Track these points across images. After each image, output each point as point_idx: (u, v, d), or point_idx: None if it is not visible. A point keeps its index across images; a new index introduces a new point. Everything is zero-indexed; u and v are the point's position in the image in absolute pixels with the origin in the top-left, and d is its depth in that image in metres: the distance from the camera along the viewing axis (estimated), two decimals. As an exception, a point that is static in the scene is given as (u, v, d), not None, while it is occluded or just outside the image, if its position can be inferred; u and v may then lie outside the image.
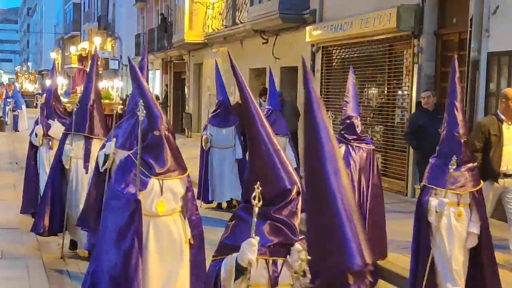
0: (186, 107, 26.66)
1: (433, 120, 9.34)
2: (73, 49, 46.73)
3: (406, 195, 12.13)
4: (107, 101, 14.09)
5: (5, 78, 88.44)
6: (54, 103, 8.85)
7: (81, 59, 14.44)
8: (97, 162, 6.57)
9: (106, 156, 6.42)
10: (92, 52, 14.90)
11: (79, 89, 13.22)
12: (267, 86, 17.22)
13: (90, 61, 7.86)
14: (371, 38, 13.26)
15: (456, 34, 11.35)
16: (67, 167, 7.59)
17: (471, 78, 10.32)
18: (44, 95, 15.24)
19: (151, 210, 4.71)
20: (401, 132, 12.69)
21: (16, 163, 15.29)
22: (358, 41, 13.90)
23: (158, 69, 31.81)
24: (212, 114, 11.02)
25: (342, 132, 7.37)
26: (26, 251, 7.63)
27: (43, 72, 69.12)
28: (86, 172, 7.44)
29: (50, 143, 8.78)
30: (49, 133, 8.73)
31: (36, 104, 21.91)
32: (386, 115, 13.32)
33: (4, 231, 8.46)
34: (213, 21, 21.87)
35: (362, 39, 13.65)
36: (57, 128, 8.65)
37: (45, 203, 7.66)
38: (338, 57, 15.14)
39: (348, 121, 7.35)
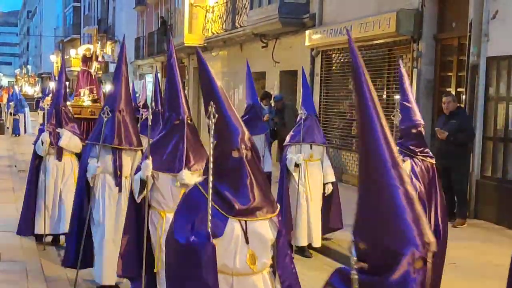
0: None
1: (446, 124, 9.51)
2: (73, 52, 46.86)
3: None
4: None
5: (4, 81, 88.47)
6: (63, 108, 8.09)
7: (85, 60, 14.03)
8: (131, 191, 5.26)
9: (143, 182, 5.05)
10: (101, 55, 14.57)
11: (83, 91, 12.95)
12: (267, 89, 17.22)
13: (117, 60, 6.64)
14: (370, 42, 13.26)
15: (455, 38, 11.36)
16: (92, 185, 6.38)
17: (471, 82, 10.33)
18: (47, 97, 15.05)
19: (233, 265, 3.33)
20: (400, 135, 12.68)
21: (15, 166, 15.28)
22: (357, 45, 13.78)
23: (158, 72, 31.77)
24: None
25: (408, 143, 6.03)
26: (25, 254, 7.61)
27: (42, 75, 69.15)
28: (120, 190, 6.32)
29: (60, 152, 7.99)
30: (60, 144, 7.94)
31: (40, 107, 21.41)
32: (386, 119, 13.30)
33: (3, 234, 8.45)
34: (213, 24, 21.88)
35: (362, 44, 13.65)
36: (68, 138, 7.93)
37: (73, 233, 6.52)
38: (338, 61, 15.14)
39: (414, 130, 6.03)
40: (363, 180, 2.50)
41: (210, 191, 3.26)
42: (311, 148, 8.16)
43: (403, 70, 6.36)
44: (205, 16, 22.61)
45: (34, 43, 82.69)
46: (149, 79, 32.79)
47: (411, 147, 5.99)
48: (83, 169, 6.47)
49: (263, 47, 18.04)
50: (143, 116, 9.14)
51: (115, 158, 6.31)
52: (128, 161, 6.37)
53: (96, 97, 13.45)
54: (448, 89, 11.24)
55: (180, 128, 5.02)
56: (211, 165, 3.27)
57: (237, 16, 19.86)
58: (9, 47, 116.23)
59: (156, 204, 5.12)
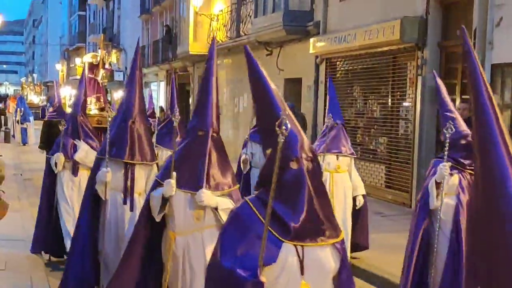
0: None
1: None
2: (78, 61, 47.00)
3: (411, 207, 12.07)
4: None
5: (10, 90, 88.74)
6: (81, 118, 7.40)
7: (92, 67, 13.82)
8: (147, 207, 4.61)
9: (165, 200, 4.49)
10: (106, 64, 14.34)
11: (90, 100, 12.72)
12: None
13: (131, 66, 6.13)
14: (374, 50, 13.26)
15: (460, 46, 11.31)
16: (103, 197, 5.74)
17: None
18: (52, 107, 14.91)
19: None
20: (405, 143, 12.66)
21: (21, 175, 15.30)
22: (362, 53, 13.90)
23: (162, 81, 31.92)
24: (254, 128, 8.68)
25: (457, 155, 5.57)
26: (30, 263, 7.58)
27: (48, 84, 69.33)
28: (131, 210, 5.71)
29: (75, 167, 7.34)
30: (76, 158, 7.27)
31: (44, 116, 21.14)
32: (390, 127, 13.29)
33: (8, 243, 8.42)
34: (218, 32, 21.92)
35: (366, 51, 13.65)
36: (84, 152, 7.28)
37: (74, 253, 5.94)
38: (342, 68, 15.14)
39: (463, 141, 5.56)
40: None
41: (268, 216, 2.73)
42: (337, 158, 7.68)
43: (439, 80, 5.99)
44: (210, 24, 22.66)
45: (39, 51, 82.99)
46: (153, 87, 32.88)
47: (460, 159, 5.57)
48: (90, 187, 5.87)
49: (267, 55, 18.06)
50: (152, 126, 8.94)
51: (127, 173, 5.72)
52: (141, 177, 5.79)
53: (103, 105, 13.34)
54: (453, 97, 11.22)
55: (203, 141, 4.44)
56: (274, 183, 2.75)
57: (241, 24, 19.90)
58: (15, 55, 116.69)
59: (167, 224, 4.55)
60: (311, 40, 15.56)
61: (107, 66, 14.08)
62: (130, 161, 5.72)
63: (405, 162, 12.51)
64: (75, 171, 7.36)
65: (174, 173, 4.43)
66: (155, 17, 33.77)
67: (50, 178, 7.69)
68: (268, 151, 2.90)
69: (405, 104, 12.73)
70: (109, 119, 5.97)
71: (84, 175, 7.24)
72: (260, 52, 18.48)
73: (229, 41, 20.78)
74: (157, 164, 5.91)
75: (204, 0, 22.69)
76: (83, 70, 8.62)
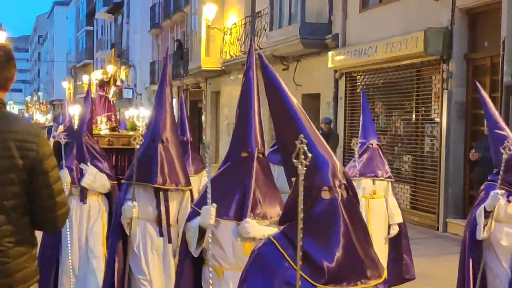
0: (203, 137, 26.75)
1: (488, 148, 9.44)
2: (85, 78, 47.38)
3: (438, 229, 11.97)
4: (131, 133, 13.02)
5: (15, 110, 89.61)
6: (87, 139, 7.05)
7: (102, 84, 13.55)
8: (184, 240, 4.33)
9: (202, 231, 4.17)
10: (118, 81, 14.18)
11: (100, 119, 12.60)
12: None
13: (159, 82, 5.87)
14: (397, 63, 13.24)
15: (487, 58, 11.29)
16: (128, 232, 5.39)
17: (505, 104, 10.23)
18: (61, 126, 14.94)
19: None
20: (431, 162, 12.58)
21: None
22: (383, 67, 13.88)
23: (174, 98, 32.03)
24: (273, 147, 8.33)
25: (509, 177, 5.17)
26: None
27: (54, 102, 69.86)
28: (169, 241, 5.41)
29: (83, 193, 6.90)
30: (83, 183, 6.84)
31: (53, 136, 20.91)
32: (414, 145, 13.22)
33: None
34: (231, 47, 22.02)
35: (388, 65, 13.63)
36: (92, 177, 6.87)
37: None
38: (363, 83, 15.12)
39: None
40: None
41: (300, 258, 2.45)
42: (373, 183, 7.29)
43: (484, 93, 5.79)
44: (223, 38, 22.77)
45: (45, 69, 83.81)
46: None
47: None
48: (117, 215, 5.44)
49: (283, 69, 18.09)
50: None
51: (158, 201, 5.37)
52: (174, 205, 5.45)
53: (114, 125, 13.25)
54: (482, 112, 11.15)
55: (247, 164, 4.16)
56: (300, 221, 2.45)
57: (256, 37, 19.97)
58: (20, 73, 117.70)
59: (212, 259, 4.14)
60: (330, 53, 15.57)
61: (118, 82, 13.98)
62: (162, 187, 5.36)
63: (431, 182, 12.42)
64: (83, 198, 6.89)
65: (210, 201, 4.06)
66: (166, 32, 34.01)
67: None
68: (293, 179, 2.63)
69: (430, 120, 12.67)
70: (137, 143, 5.49)
71: (94, 202, 6.93)
72: (276, 67, 18.52)
73: (243, 55, 20.85)
74: (191, 190, 5.53)
75: (216, 13, 22.82)
76: (89, 87, 8.22)
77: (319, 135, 2.84)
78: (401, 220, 7.43)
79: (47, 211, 3.22)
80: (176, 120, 7.26)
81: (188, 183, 5.48)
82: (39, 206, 3.20)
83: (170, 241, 5.36)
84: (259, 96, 4.35)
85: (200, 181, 8.09)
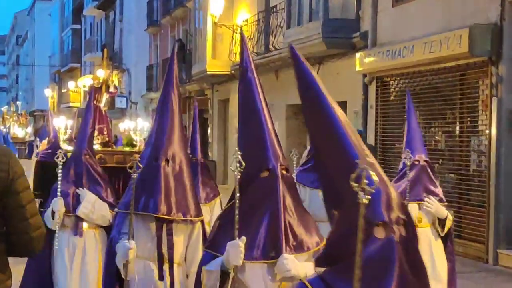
0: (209, 153, 26.79)
1: None
2: (71, 85, 47.64)
3: (487, 261, 11.90)
4: (127, 149, 12.78)
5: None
6: (87, 157, 6.77)
7: (94, 91, 13.42)
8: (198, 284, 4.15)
9: (225, 275, 3.94)
10: (111, 87, 14.03)
11: (95, 132, 12.47)
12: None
13: (163, 84, 5.48)
14: (437, 65, 13.23)
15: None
16: (124, 276, 5.00)
17: None
18: (44, 141, 14.88)
19: None
20: (478, 182, 12.52)
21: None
22: (421, 70, 13.87)
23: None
24: (302, 167, 8.22)
25: None
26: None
27: (35, 113, 70.19)
28: (172, 286, 5.14)
29: (78, 224, 6.62)
30: (79, 213, 6.54)
31: (36, 154, 20.61)
32: (459, 161, 13.18)
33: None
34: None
35: (427, 67, 13.62)
36: (91, 205, 6.59)
37: None
38: (397, 89, 15.11)
39: None
40: None
41: None
42: (419, 208, 7.06)
43: None
44: (232, 37, 22.86)
45: (24, 74, 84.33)
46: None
47: None
48: (111, 254, 5.11)
49: (303, 74, 18.12)
50: None
51: (161, 234, 5.05)
52: (181, 240, 5.13)
53: (107, 139, 13.16)
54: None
55: (270, 185, 3.93)
56: (358, 267, 2.33)
57: (271, 36, 20.04)
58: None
59: None
60: (358, 55, 15.59)
61: (111, 89, 13.84)
62: (166, 217, 5.03)
63: (479, 206, 12.36)
64: (78, 230, 6.62)
65: (237, 233, 3.81)
66: (165, 31, 34.20)
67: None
68: (336, 213, 2.54)
69: (477, 132, 12.63)
70: (136, 157, 5.19)
71: (90, 236, 6.69)
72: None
73: (256, 57, 20.92)
74: (202, 221, 5.27)
75: (224, 8, 22.92)
76: (90, 93, 8.08)
77: (370, 153, 2.71)
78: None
79: (21, 233, 3.52)
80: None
81: (198, 212, 5.18)
82: (12, 227, 3.51)
83: (173, 285, 5.02)
84: (265, 98, 4.22)
85: (211, 211, 7.77)
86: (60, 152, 6.69)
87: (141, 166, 4.99)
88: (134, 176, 4.94)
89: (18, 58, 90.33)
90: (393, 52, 14.28)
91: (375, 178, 2.35)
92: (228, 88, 24.44)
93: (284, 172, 3.98)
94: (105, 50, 17.61)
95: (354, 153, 2.64)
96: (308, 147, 9.66)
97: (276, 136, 4.12)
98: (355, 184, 2.33)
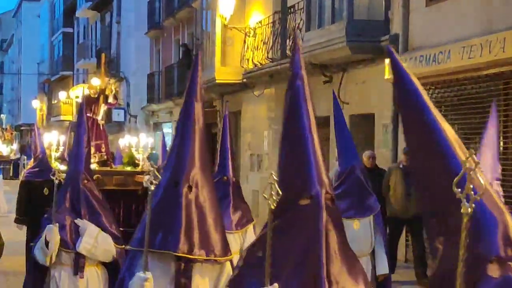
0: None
1: None
2: (62, 95, 47.78)
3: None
4: (128, 168, 12.56)
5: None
6: (86, 182, 6.55)
7: (90, 102, 13.05)
8: None
9: None
10: (111, 96, 13.71)
11: (91, 149, 12.10)
12: (332, 138, 17.11)
13: (185, 97, 5.26)
14: (477, 73, 13.19)
15: None
16: None
17: None
18: (31, 160, 14.75)
19: None
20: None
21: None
22: (459, 78, 13.83)
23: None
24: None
25: None
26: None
27: (22, 128, 70.43)
28: None
29: (79, 261, 6.40)
30: (80, 249, 6.33)
31: (18, 173, 20.40)
32: (502, 182, 13.09)
33: None
34: (255, 53, 22.12)
35: (465, 75, 13.58)
36: (93, 239, 6.36)
37: None
38: (432, 99, 14.99)
39: None
40: None
41: None
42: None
43: None
44: (244, 41, 22.89)
45: (9, 84, 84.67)
46: (167, 129, 33.12)
47: None
48: None
49: (325, 82, 18.11)
50: None
51: (180, 277, 4.88)
52: (205, 283, 4.96)
53: (106, 157, 12.94)
54: None
55: (310, 215, 3.75)
56: None
57: (288, 40, 20.06)
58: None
59: None
60: (387, 60, 15.55)
61: (110, 99, 13.58)
62: (188, 256, 4.85)
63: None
64: (79, 269, 6.41)
65: (268, 278, 3.59)
66: (168, 34, 34.29)
67: (35, 277, 6.57)
68: (440, 241, 2.45)
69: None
70: (151, 183, 4.73)
71: (92, 275, 6.50)
72: (315, 78, 18.55)
73: (271, 64, 20.94)
74: (231, 260, 5.10)
75: (235, 8, 22.97)
76: (82, 104, 7.67)
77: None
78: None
79: None
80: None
81: (226, 250, 4.97)
82: None
83: None
84: (314, 111, 4.00)
85: (243, 239, 7.71)
86: (57, 171, 6.64)
87: (155, 186, 4.72)
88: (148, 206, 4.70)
89: (3, 65, 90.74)
90: (426, 58, 14.25)
91: (482, 183, 2.25)
92: (239, 99, 24.45)
93: (329, 202, 3.76)
94: (103, 55, 17.44)
95: (458, 165, 2.56)
96: (337, 168, 9.51)
97: (324, 158, 3.94)
98: (457, 190, 2.26)
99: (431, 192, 2.66)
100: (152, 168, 4.81)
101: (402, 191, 13.01)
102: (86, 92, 13.53)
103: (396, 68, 3.06)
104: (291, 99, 4.01)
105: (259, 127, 22.70)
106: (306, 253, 3.66)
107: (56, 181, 6.52)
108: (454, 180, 2.30)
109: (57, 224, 6.29)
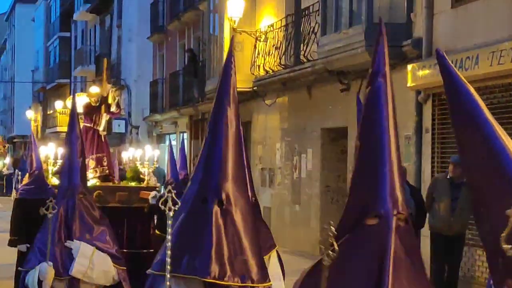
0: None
1: None
2: (59, 105, 47.80)
3: None
4: (133, 184, 12.45)
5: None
6: (82, 197, 6.43)
7: (90, 111, 12.79)
8: None
9: None
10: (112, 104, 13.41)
11: (88, 163, 11.82)
12: (350, 153, 17.07)
13: (215, 106, 5.08)
14: (508, 80, 13.16)
15: None
16: None
17: None
18: (26, 176, 14.58)
19: None
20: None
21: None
22: (488, 85, 13.79)
23: (184, 132, 32.19)
24: None
25: None
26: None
27: (15, 140, 70.54)
28: None
29: (74, 286, 6.30)
30: (73, 272, 6.25)
31: (16, 189, 20.08)
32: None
33: None
34: (266, 58, 22.12)
35: (494, 82, 13.54)
36: (87, 260, 6.24)
37: None
38: (458, 109, 15.03)
39: None
40: None
41: None
42: None
43: None
44: (255, 46, 22.90)
45: (2, 92, 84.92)
46: (171, 142, 33.08)
47: None
48: None
49: (342, 90, 18.09)
50: None
51: None
52: None
53: (108, 171, 12.73)
54: None
55: (378, 239, 3.48)
56: None
57: (302, 45, 20.05)
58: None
59: None
60: (409, 67, 15.54)
61: (113, 108, 13.36)
62: (219, 282, 4.67)
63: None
64: None
65: None
66: (173, 38, 34.32)
67: None
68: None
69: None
70: (169, 209, 4.41)
71: None
72: (332, 86, 18.54)
73: (283, 70, 20.93)
74: (269, 286, 4.94)
75: (245, 11, 22.99)
76: (72, 110, 7.35)
77: None
78: None
79: None
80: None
81: (265, 276, 4.79)
82: None
83: None
84: (395, 116, 3.83)
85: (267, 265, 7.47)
86: (50, 202, 6.25)
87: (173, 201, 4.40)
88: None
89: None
90: (453, 63, 14.21)
91: None
92: (250, 109, 24.44)
93: (401, 223, 3.47)
94: (105, 59, 17.16)
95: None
96: None
97: (401, 171, 3.66)
98: (507, 247, 2.26)
99: (489, 211, 2.65)
100: (169, 194, 4.38)
101: (447, 205, 12.56)
102: (84, 100, 13.34)
103: (449, 76, 3.01)
104: (372, 97, 3.82)
105: (271, 139, 22.69)
106: (368, 277, 3.35)
107: (50, 214, 6.15)
108: (503, 235, 2.29)
109: (51, 263, 6.10)
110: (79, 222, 6.31)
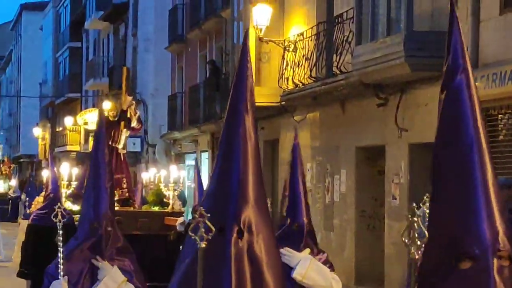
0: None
1: None
2: (69, 121, 47.93)
3: None
4: (156, 208, 12.47)
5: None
6: (107, 224, 6.12)
7: (108, 126, 11.97)
8: None
9: None
10: (129, 110, 13.02)
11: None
12: (389, 173, 16.99)
13: (227, 118, 4.73)
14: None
15: None
16: None
17: None
18: (38, 198, 14.25)
19: None
20: None
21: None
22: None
23: (205, 151, 32.21)
24: None
25: None
26: None
27: (21, 160, 70.75)
28: None
29: None
30: None
31: (25, 214, 19.63)
32: None
33: None
34: (296, 70, 22.12)
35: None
36: (115, 284, 6.11)
37: None
38: (507, 125, 14.96)
39: None
40: None
41: None
42: None
43: None
44: (283, 57, 22.90)
45: (7, 108, 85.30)
46: (190, 161, 33.08)
47: None
48: None
49: (379, 105, 18.05)
50: None
51: None
52: None
53: (128, 194, 12.44)
54: None
55: (476, 285, 3.29)
56: None
57: (335, 55, 20.04)
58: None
59: None
60: (453, 79, 15.50)
61: (134, 124, 13.00)
62: None
63: None
64: None
65: None
66: (193, 48, 34.39)
67: None
68: None
69: None
70: (202, 239, 4.15)
71: None
72: (368, 100, 18.50)
73: (314, 84, 20.91)
74: None
75: (272, 19, 23.01)
76: (99, 127, 6.79)
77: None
78: None
79: None
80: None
81: None
82: None
83: None
84: (483, 117, 3.41)
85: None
86: (58, 208, 6.22)
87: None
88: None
89: (0, 87, 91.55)
90: (501, 76, 14.16)
91: None
92: (277, 125, 24.45)
93: (504, 263, 3.10)
94: (125, 68, 16.70)
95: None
96: None
97: (498, 194, 3.32)
98: None
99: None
100: (201, 218, 4.06)
101: None
102: (94, 118, 13.19)
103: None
104: (451, 99, 3.38)
105: (303, 157, 22.61)
106: None
107: (60, 224, 6.16)
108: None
109: (66, 277, 5.96)
110: (105, 243, 6.04)
